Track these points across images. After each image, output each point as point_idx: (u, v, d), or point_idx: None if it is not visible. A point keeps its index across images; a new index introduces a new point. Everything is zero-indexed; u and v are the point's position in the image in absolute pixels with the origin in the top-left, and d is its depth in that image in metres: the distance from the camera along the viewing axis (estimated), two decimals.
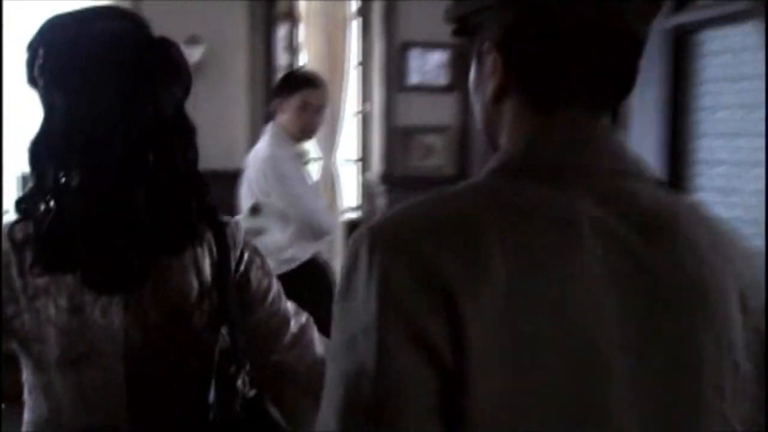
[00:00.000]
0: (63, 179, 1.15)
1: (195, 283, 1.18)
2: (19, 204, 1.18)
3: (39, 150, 1.17)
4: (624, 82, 0.81)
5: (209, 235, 1.21)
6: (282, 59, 5.36)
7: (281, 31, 5.35)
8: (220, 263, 1.20)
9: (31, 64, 1.17)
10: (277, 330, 1.28)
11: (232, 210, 5.19)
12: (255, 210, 3.26)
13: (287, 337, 1.29)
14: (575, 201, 0.75)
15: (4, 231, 1.18)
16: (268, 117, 5.30)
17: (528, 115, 0.81)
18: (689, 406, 0.73)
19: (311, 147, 5.10)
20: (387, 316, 0.70)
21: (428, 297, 0.69)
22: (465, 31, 0.86)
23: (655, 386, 0.72)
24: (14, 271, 1.14)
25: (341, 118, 5.33)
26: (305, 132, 3.35)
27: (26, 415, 1.21)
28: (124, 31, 1.18)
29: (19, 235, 1.15)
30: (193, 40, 5.07)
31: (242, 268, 1.24)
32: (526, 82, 0.80)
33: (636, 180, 0.78)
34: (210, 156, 5.54)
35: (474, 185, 0.80)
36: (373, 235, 0.73)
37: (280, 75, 5.26)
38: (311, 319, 1.34)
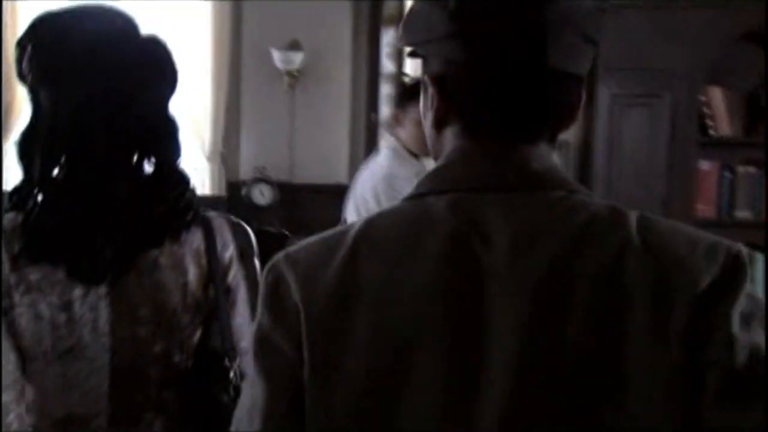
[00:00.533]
0: (48, 173, 1.20)
1: (181, 280, 1.23)
2: (12, 196, 1.23)
3: (26, 144, 1.22)
4: (552, 116, 0.86)
5: (197, 232, 1.25)
6: (388, 66, 5.09)
7: (387, 36, 5.05)
8: (208, 260, 1.25)
9: (20, 59, 1.21)
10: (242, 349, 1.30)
11: (332, 225, 4.94)
12: None
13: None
14: (434, 212, 0.82)
15: None
16: (371, 129, 5.17)
17: (456, 143, 0.87)
18: (475, 403, 0.77)
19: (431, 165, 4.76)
20: (259, 330, 0.84)
21: (280, 313, 0.82)
22: (415, 55, 0.90)
23: (449, 384, 0.78)
24: (7, 267, 1.20)
25: None
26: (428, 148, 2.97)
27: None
28: (112, 29, 1.22)
29: (8, 226, 1.20)
30: (293, 46, 4.93)
31: (226, 268, 1.29)
32: (459, 111, 0.86)
33: (522, 194, 0.83)
34: (308, 169, 5.37)
35: (374, 213, 0.88)
36: (272, 260, 0.86)
37: (384, 83, 5.02)
38: None
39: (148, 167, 1.24)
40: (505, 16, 0.81)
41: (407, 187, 0.93)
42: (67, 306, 1.20)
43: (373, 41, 5.02)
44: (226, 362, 1.25)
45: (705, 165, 3.99)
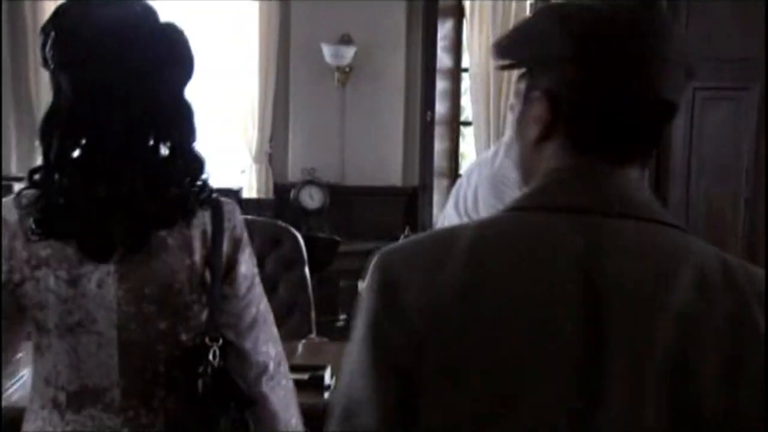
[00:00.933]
0: (67, 154, 1.28)
1: (187, 261, 1.30)
2: (32, 174, 1.30)
3: (47, 125, 1.29)
4: (652, 140, 0.94)
5: (206, 215, 1.32)
6: (444, 61, 4.85)
7: (443, 29, 4.81)
8: (214, 243, 1.31)
9: (43, 46, 1.28)
10: (249, 323, 1.37)
11: (386, 230, 4.86)
12: None
13: (254, 331, 1.39)
14: (558, 232, 0.88)
15: (11, 198, 1.32)
16: (427, 127, 4.96)
17: (561, 158, 0.92)
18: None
19: None
20: (368, 332, 0.88)
21: (395, 315, 0.87)
22: (513, 67, 0.97)
23: (570, 396, 0.83)
24: (20, 243, 1.28)
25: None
26: None
27: (29, 372, 1.42)
28: (130, 16, 1.29)
29: (24, 201, 1.29)
30: (344, 40, 4.75)
31: (231, 251, 1.35)
32: (569, 131, 0.91)
33: (629, 220, 0.88)
34: (359, 171, 5.12)
35: (482, 221, 0.95)
36: (376, 260, 0.91)
37: (441, 79, 4.80)
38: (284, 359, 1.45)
39: (164, 150, 1.31)
40: (628, 47, 0.89)
41: (510, 192, 0.92)
42: (75, 281, 1.27)
43: (428, 35, 4.79)
44: (206, 340, 1.31)
45: None
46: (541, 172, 0.93)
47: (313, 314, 3.27)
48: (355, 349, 0.90)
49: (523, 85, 0.96)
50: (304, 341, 3.03)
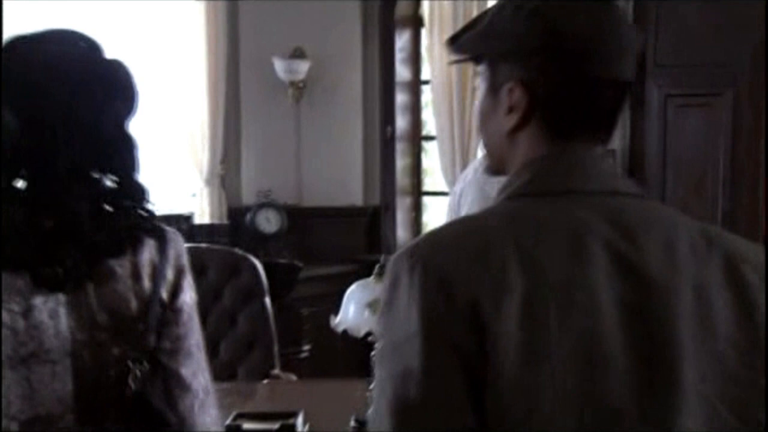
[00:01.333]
0: (10, 185, 1.34)
1: (137, 288, 1.36)
2: None
3: None
4: (614, 120, 1.04)
5: (152, 243, 1.39)
6: (403, 73, 4.69)
7: (401, 40, 4.65)
8: (159, 271, 1.38)
9: None
10: (187, 350, 1.41)
11: (348, 253, 4.70)
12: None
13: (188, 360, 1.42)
14: (580, 217, 0.96)
15: None
16: (387, 143, 4.79)
17: (541, 144, 1.02)
18: (671, 387, 0.91)
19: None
20: (426, 327, 0.90)
21: (456, 309, 0.90)
22: (474, 61, 1.09)
23: (642, 370, 0.91)
24: None
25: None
26: None
27: None
28: (75, 53, 1.36)
29: None
30: (297, 54, 4.59)
31: (175, 279, 1.41)
32: (545, 116, 1.01)
33: (624, 197, 1.00)
34: (318, 191, 4.91)
35: (494, 209, 1.02)
36: (411, 257, 0.94)
37: (400, 92, 4.65)
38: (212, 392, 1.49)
39: (108, 182, 1.38)
40: (594, 36, 0.98)
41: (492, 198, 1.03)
42: (26, 313, 1.31)
43: (385, 46, 4.62)
44: (129, 363, 1.34)
45: None
46: (524, 160, 1.02)
47: (276, 348, 3.10)
48: (406, 351, 0.91)
49: (484, 80, 1.05)
50: (266, 381, 2.84)
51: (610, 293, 0.91)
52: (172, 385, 1.38)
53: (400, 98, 4.68)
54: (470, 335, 0.88)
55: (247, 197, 4.69)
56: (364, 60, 4.65)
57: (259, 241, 4.32)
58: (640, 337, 0.91)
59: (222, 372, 3.05)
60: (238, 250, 3.23)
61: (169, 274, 1.39)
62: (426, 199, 4.84)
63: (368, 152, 4.68)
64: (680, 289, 0.93)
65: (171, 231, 1.44)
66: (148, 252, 1.38)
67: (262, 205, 4.49)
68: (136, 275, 1.36)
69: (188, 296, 1.42)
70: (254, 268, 3.13)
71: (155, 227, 1.41)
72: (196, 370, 1.42)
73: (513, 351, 0.88)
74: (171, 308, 1.39)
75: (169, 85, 4.47)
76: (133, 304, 1.36)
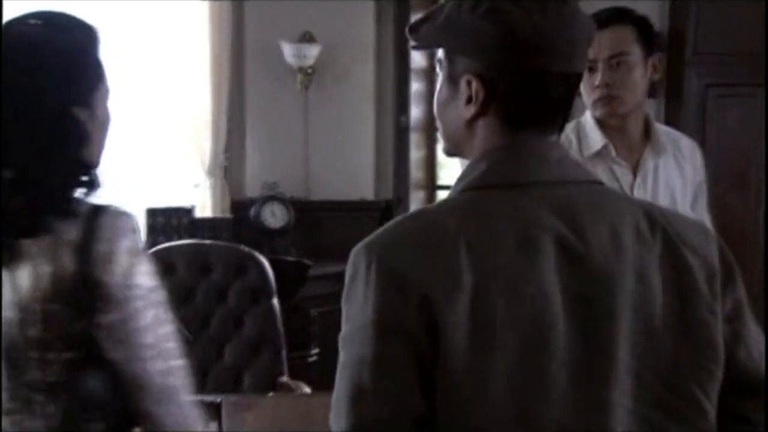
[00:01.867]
0: None
1: (50, 268, 1.38)
2: None
3: None
4: (568, 109, 1.15)
5: (78, 223, 1.40)
6: (418, 59, 4.53)
7: None
8: (87, 255, 1.38)
9: None
10: (140, 346, 1.43)
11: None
12: None
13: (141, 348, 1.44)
14: (531, 210, 1.06)
15: None
16: (400, 134, 4.64)
17: (497, 133, 1.12)
18: (604, 365, 1.03)
19: None
20: (379, 317, 1.00)
21: (408, 301, 0.99)
22: (426, 47, 1.23)
23: (582, 354, 1.02)
24: None
25: None
26: None
27: None
28: (28, 34, 1.45)
29: None
30: (306, 38, 4.40)
31: (120, 268, 1.40)
32: (502, 108, 1.11)
33: (575, 185, 1.10)
34: (326, 184, 4.73)
35: (449, 202, 1.12)
36: (368, 252, 1.03)
37: (415, 80, 4.49)
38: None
39: (29, 161, 1.41)
40: (549, 31, 1.07)
41: None
42: None
43: (400, 31, 4.43)
44: (49, 345, 1.38)
45: None
46: (482, 149, 1.12)
47: (284, 352, 2.94)
48: (361, 339, 1.00)
49: (442, 69, 1.15)
50: (271, 394, 2.66)
51: (557, 285, 1.02)
52: (124, 380, 1.41)
53: (416, 86, 4.53)
54: (422, 326, 0.98)
55: (252, 190, 4.53)
56: (377, 45, 4.51)
57: (264, 237, 4.16)
58: (584, 324, 1.02)
59: (227, 377, 2.89)
60: (243, 247, 3.06)
61: (115, 262, 1.39)
62: (441, 194, 4.67)
63: (380, 143, 4.54)
64: (623, 276, 1.05)
65: (118, 214, 1.43)
66: (69, 232, 1.39)
67: (267, 199, 4.33)
68: (51, 256, 1.39)
69: (138, 288, 1.41)
70: (261, 266, 2.97)
71: (84, 208, 1.42)
72: (155, 365, 1.43)
73: (463, 341, 0.98)
74: (115, 301, 1.39)
75: (170, 69, 4.30)
76: (47, 284, 1.38)
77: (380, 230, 1.08)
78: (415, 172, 4.56)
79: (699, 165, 2.32)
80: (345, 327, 1.04)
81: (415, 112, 4.52)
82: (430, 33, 1.14)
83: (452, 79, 1.13)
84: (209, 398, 2.15)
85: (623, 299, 1.04)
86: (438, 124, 1.21)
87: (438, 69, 1.16)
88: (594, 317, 1.02)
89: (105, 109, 1.52)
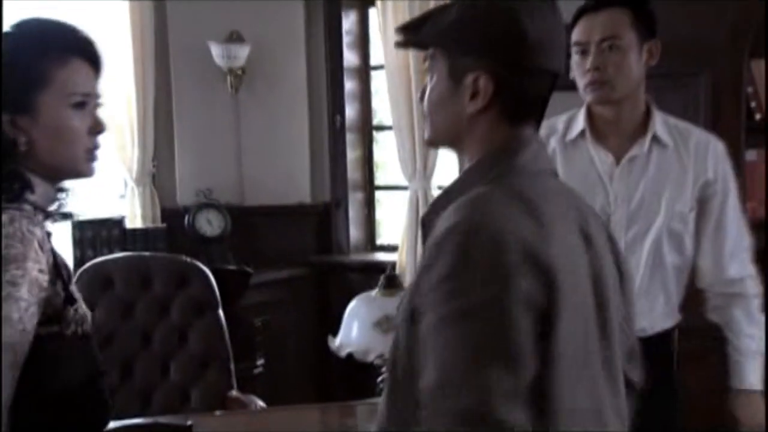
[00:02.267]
0: None
1: None
2: None
3: None
4: (545, 107, 1.28)
5: None
6: (350, 59, 4.43)
7: (348, 21, 4.38)
8: None
9: None
10: None
11: (298, 254, 4.44)
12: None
13: None
14: (560, 193, 1.26)
15: None
16: (336, 134, 4.53)
17: (498, 126, 1.23)
18: (608, 326, 1.22)
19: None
20: (510, 290, 1.06)
21: (533, 271, 1.07)
22: (422, 47, 1.32)
23: (599, 320, 1.21)
24: None
25: None
26: None
27: None
28: None
29: None
30: (234, 39, 4.27)
31: None
32: (505, 103, 1.22)
33: (551, 174, 1.28)
34: (262, 188, 4.59)
35: (496, 189, 1.18)
36: (477, 232, 1.09)
37: (349, 79, 4.40)
38: None
39: None
40: (550, 32, 1.21)
41: None
42: None
43: (332, 28, 4.34)
44: None
45: (752, 155, 3.45)
46: (483, 141, 1.23)
47: (232, 366, 2.85)
48: (490, 311, 1.05)
49: (441, 66, 1.23)
50: (218, 413, 2.58)
51: (586, 261, 1.19)
52: None
53: (349, 85, 4.42)
54: (543, 292, 1.07)
55: (184, 197, 4.38)
56: (308, 44, 4.39)
57: (200, 246, 4.02)
58: (600, 296, 1.20)
59: (173, 396, 2.77)
60: (185, 257, 2.94)
61: None
62: (379, 194, 4.59)
63: (315, 145, 4.42)
64: (606, 257, 1.25)
65: None
66: None
67: (201, 206, 4.18)
68: None
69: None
70: (205, 276, 2.87)
71: None
72: None
73: (571, 303, 1.11)
74: None
75: None
76: None
77: (477, 208, 1.13)
78: (352, 173, 4.45)
79: (711, 163, 2.16)
80: (458, 302, 1.06)
81: (350, 111, 4.41)
82: (434, 33, 1.23)
83: (454, 75, 1.22)
84: (177, 421, 2.05)
85: (609, 274, 1.25)
86: (429, 118, 1.28)
87: (431, 65, 1.25)
88: (601, 291, 1.20)
89: (57, 114, 1.46)
